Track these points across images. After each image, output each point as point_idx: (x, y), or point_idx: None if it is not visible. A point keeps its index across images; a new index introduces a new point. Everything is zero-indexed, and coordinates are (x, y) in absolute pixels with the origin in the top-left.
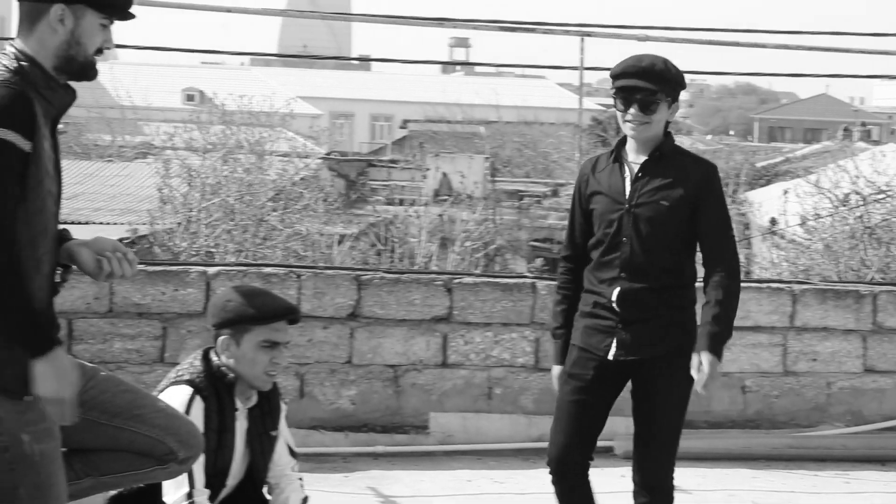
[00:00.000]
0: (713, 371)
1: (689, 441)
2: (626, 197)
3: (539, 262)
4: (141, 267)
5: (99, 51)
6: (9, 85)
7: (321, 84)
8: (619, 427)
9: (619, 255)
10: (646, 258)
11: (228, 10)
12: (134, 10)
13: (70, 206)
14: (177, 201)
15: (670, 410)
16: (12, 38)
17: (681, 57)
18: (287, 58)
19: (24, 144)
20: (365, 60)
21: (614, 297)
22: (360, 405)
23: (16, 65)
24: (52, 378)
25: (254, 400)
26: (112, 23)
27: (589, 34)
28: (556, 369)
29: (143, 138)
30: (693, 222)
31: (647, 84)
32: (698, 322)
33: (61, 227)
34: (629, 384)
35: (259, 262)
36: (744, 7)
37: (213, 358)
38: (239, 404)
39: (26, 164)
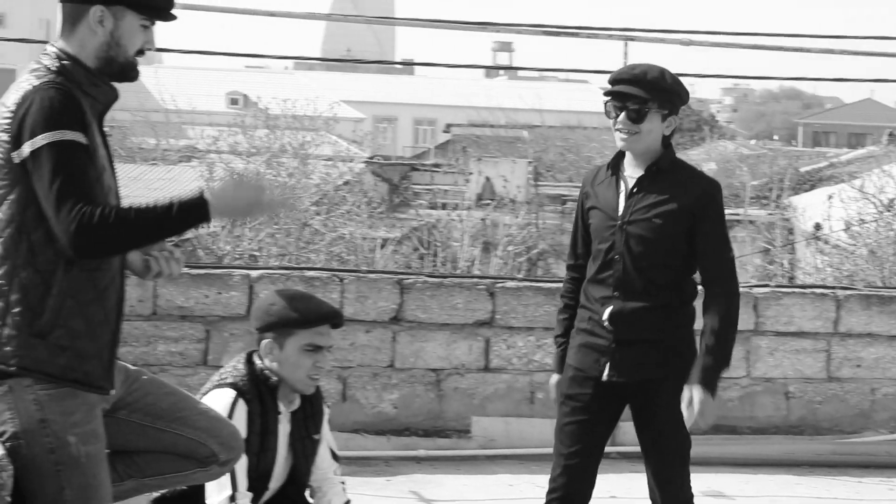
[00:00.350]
0: (704, 407)
1: (732, 447)
2: (620, 213)
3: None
4: (185, 270)
5: (140, 52)
6: (55, 85)
7: (365, 88)
8: None
9: (612, 272)
10: (639, 276)
11: (272, 14)
12: (176, 11)
13: None
14: None
15: (674, 434)
16: (54, 40)
17: (724, 61)
18: (331, 62)
19: (83, 139)
20: (408, 64)
21: (606, 316)
22: (402, 409)
23: (58, 64)
24: (232, 205)
25: (297, 403)
26: (153, 24)
27: (632, 38)
28: (555, 378)
29: (187, 142)
30: (690, 240)
31: (638, 91)
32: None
33: None
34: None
35: (302, 265)
36: (787, 11)
37: (257, 361)
38: (282, 408)
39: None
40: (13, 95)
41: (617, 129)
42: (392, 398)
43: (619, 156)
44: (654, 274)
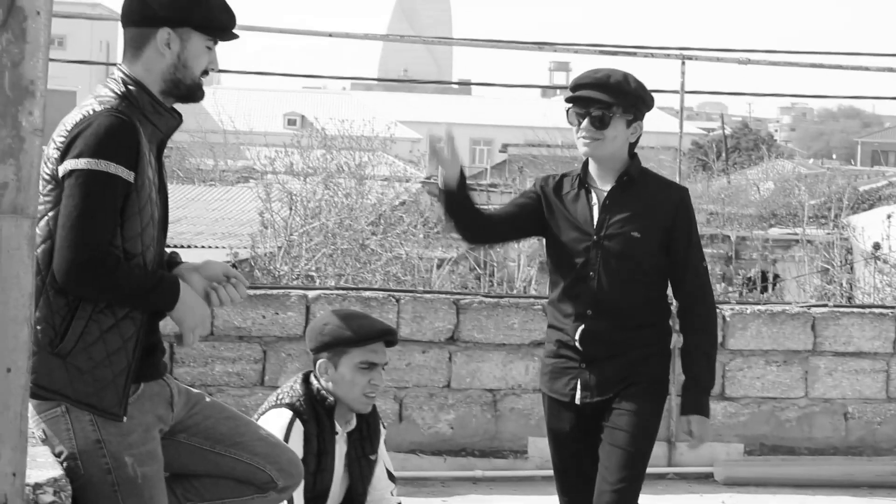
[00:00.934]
0: (704, 433)
1: (790, 468)
2: (594, 228)
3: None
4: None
5: (205, 72)
6: (116, 113)
7: (422, 108)
8: (720, 453)
9: (585, 289)
10: (614, 295)
11: (330, 35)
12: (236, 31)
13: (173, 229)
14: (278, 225)
15: (633, 440)
16: (119, 64)
17: (783, 80)
18: (388, 82)
19: (128, 175)
20: (465, 84)
21: (577, 336)
22: (458, 429)
23: (123, 89)
24: (187, 316)
25: (353, 423)
26: (216, 44)
27: (690, 58)
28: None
29: (244, 162)
30: (667, 251)
31: (601, 95)
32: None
33: (170, 250)
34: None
35: (359, 285)
36: (846, 28)
37: (314, 382)
38: (339, 428)
39: (129, 193)
40: (74, 116)
41: (580, 136)
42: (448, 418)
43: (585, 167)
44: (629, 291)
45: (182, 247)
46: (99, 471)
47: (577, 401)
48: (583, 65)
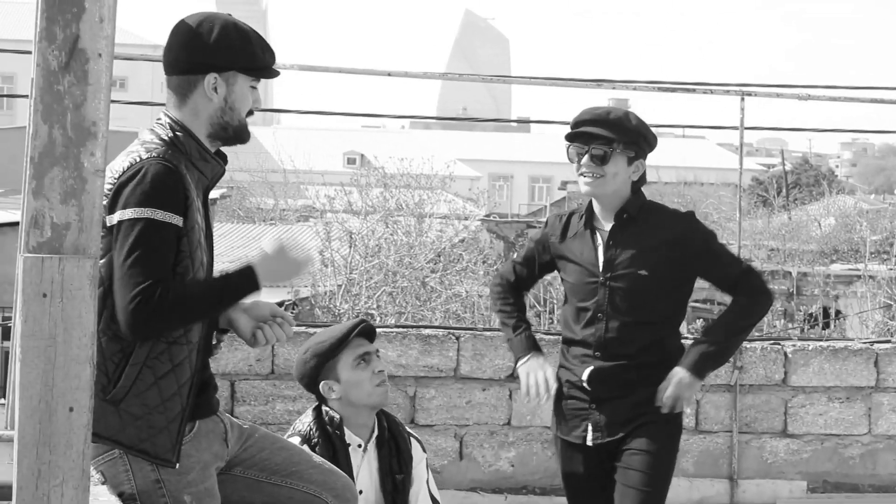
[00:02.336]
0: (682, 390)
1: None
2: (601, 269)
3: (699, 322)
4: (302, 329)
5: (249, 112)
6: (163, 161)
7: (481, 146)
8: (783, 490)
9: (593, 331)
10: (623, 336)
11: (389, 74)
12: (294, 73)
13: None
14: (338, 263)
15: (647, 480)
16: (164, 109)
17: (843, 115)
18: (447, 120)
19: (178, 221)
20: (524, 122)
21: (585, 377)
22: (519, 467)
23: (171, 135)
24: (276, 270)
25: (375, 433)
26: (259, 82)
27: (749, 94)
28: (527, 360)
29: (304, 201)
30: (685, 286)
31: (601, 131)
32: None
33: None
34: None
35: (419, 323)
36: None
37: (324, 409)
38: (359, 440)
39: (180, 238)
40: (121, 161)
41: (581, 174)
42: (509, 456)
43: (590, 206)
44: (637, 333)
45: None
46: None
47: (589, 442)
48: (642, 102)
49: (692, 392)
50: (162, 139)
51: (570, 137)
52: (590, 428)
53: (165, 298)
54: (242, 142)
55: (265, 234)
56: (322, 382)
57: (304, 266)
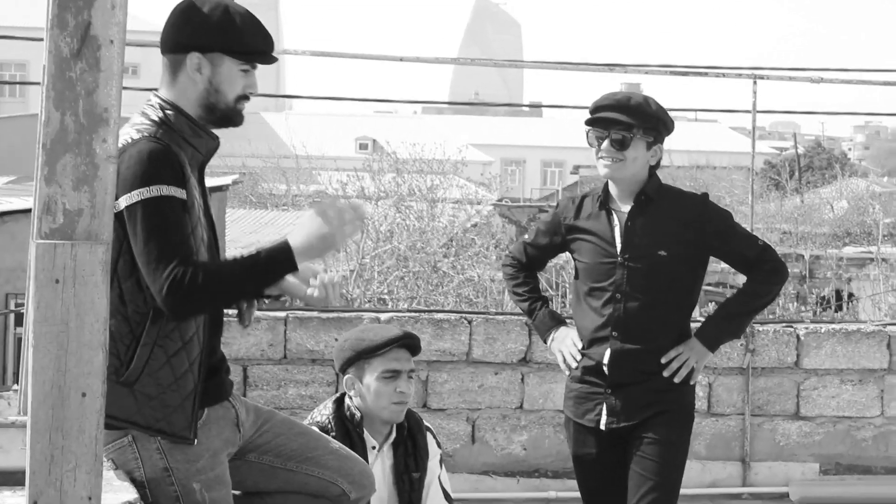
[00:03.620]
0: (692, 356)
1: (867, 487)
2: (619, 249)
3: (712, 306)
4: (314, 314)
5: (243, 97)
6: (153, 140)
7: (493, 131)
8: (795, 472)
9: (611, 311)
10: (641, 316)
11: (401, 59)
12: (293, 57)
13: None
14: (350, 248)
15: (663, 470)
16: (155, 90)
17: (856, 98)
18: (459, 105)
19: (180, 193)
20: (536, 107)
21: (606, 360)
22: (531, 450)
23: (161, 114)
24: (315, 245)
25: (392, 436)
26: (254, 68)
27: (761, 77)
28: (554, 335)
29: (316, 187)
30: (700, 268)
31: (621, 117)
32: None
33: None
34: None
35: (431, 308)
36: None
37: (346, 401)
38: (374, 442)
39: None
40: None
41: (600, 157)
42: (521, 440)
43: (606, 188)
44: (655, 313)
45: None
46: (167, 499)
47: (603, 426)
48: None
49: (701, 362)
50: (152, 120)
51: (590, 122)
52: (604, 412)
53: (197, 276)
54: (233, 125)
55: (277, 219)
56: (348, 376)
57: (341, 232)
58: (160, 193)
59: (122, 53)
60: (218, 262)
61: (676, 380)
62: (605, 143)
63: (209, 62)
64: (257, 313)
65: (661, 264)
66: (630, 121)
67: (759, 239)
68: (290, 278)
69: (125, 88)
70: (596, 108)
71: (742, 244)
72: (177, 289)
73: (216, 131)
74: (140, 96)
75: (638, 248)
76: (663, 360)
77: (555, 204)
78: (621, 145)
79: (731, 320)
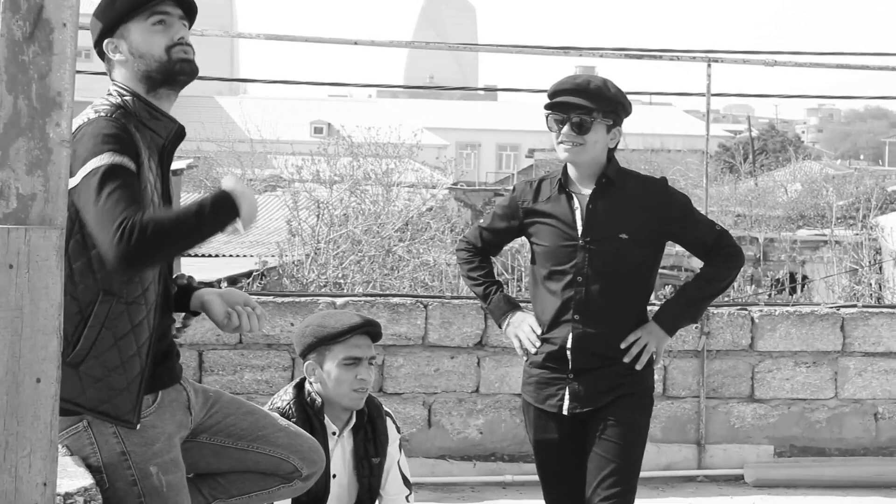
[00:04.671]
0: (650, 340)
1: (821, 469)
2: (580, 232)
3: (668, 289)
4: (269, 299)
5: (174, 46)
6: (106, 118)
7: (448, 114)
8: (750, 455)
9: (572, 294)
10: (602, 300)
11: (356, 43)
12: (231, 37)
13: None
14: (305, 233)
15: (623, 452)
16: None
17: (809, 81)
18: (414, 89)
19: (130, 165)
20: (491, 90)
21: (569, 344)
22: (487, 434)
23: (118, 100)
24: (249, 202)
25: (352, 422)
26: (166, 15)
27: (716, 60)
28: (509, 320)
29: (271, 171)
30: (659, 252)
31: (581, 101)
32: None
33: (187, 274)
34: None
35: (386, 292)
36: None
37: (306, 386)
38: (334, 427)
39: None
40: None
41: (560, 142)
42: (477, 423)
43: (565, 172)
44: (616, 295)
45: (210, 256)
46: (125, 483)
47: (566, 411)
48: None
49: (660, 346)
50: (111, 103)
51: (550, 107)
52: (567, 397)
53: (146, 224)
54: (186, 75)
55: None
56: (309, 362)
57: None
58: (111, 161)
59: (76, 37)
60: (166, 211)
61: (638, 366)
62: (566, 128)
63: (119, 38)
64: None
65: (623, 247)
66: (590, 104)
67: (717, 224)
68: (215, 304)
69: (78, 72)
70: (555, 93)
71: (700, 230)
72: (127, 238)
73: (178, 113)
74: (93, 80)
75: (600, 230)
76: (622, 346)
77: (511, 188)
78: (581, 129)
79: (690, 305)
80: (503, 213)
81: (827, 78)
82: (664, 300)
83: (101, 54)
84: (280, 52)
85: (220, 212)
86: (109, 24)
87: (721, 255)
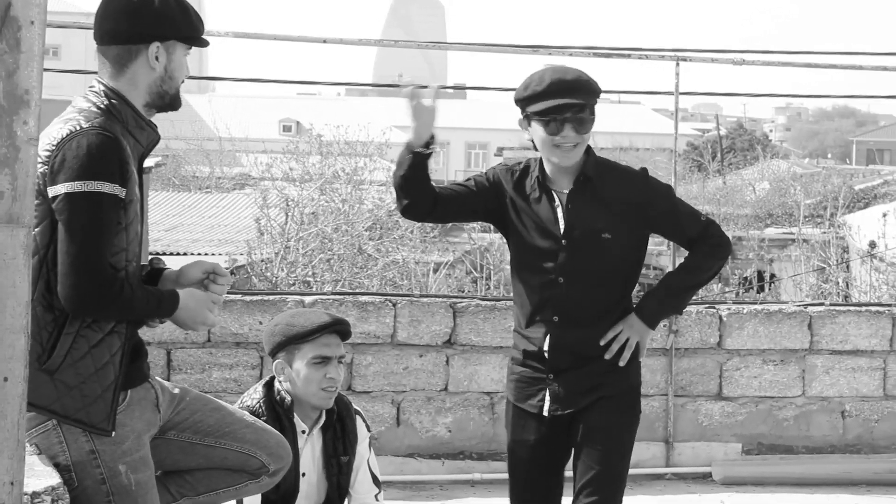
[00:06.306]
0: (632, 334)
1: (788, 467)
2: (562, 231)
3: (637, 289)
4: (238, 297)
5: (182, 80)
6: (101, 131)
7: None
8: (718, 452)
9: (552, 294)
10: (583, 299)
11: (325, 41)
12: (230, 40)
13: (169, 237)
14: (274, 231)
15: (609, 456)
16: (98, 76)
17: (777, 80)
18: (383, 87)
19: (121, 192)
20: (460, 88)
21: (546, 346)
22: (456, 432)
23: (107, 102)
24: (191, 316)
25: (322, 420)
26: (191, 51)
27: (684, 59)
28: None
29: (240, 169)
30: (643, 247)
31: (579, 99)
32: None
33: (152, 256)
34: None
35: (355, 290)
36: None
37: (276, 385)
38: (304, 426)
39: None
40: (59, 129)
41: (560, 144)
42: (446, 422)
43: (542, 168)
44: (597, 296)
45: (178, 254)
46: (93, 482)
47: (546, 412)
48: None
49: (643, 339)
50: (99, 108)
51: (543, 109)
52: (547, 398)
53: (114, 294)
54: (175, 109)
55: (200, 202)
56: (278, 360)
57: (207, 321)
58: (101, 190)
59: (44, 35)
60: (138, 284)
61: (622, 363)
62: (567, 129)
63: (165, 50)
64: None
65: (605, 246)
66: (584, 102)
67: (703, 214)
68: (191, 272)
69: (46, 70)
70: (549, 92)
71: (685, 220)
72: (91, 291)
73: (161, 116)
74: (61, 78)
75: (581, 229)
76: (602, 342)
77: (491, 168)
78: (583, 128)
79: (673, 295)
80: (478, 177)
81: (795, 76)
82: (646, 291)
83: (124, 49)
84: (249, 50)
85: (163, 311)
86: (170, 32)
87: (708, 244)
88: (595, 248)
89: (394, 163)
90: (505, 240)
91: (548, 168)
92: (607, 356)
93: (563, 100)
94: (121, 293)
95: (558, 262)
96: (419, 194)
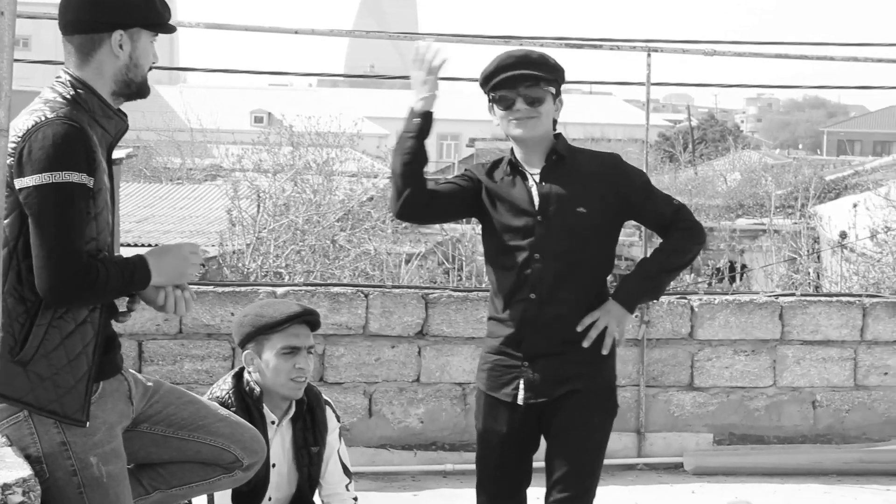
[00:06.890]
0: (610, 319)
1: (759, 457)
2: (537, 208)
3: (608, 278)
4: (210, 288)
5: (149, 68)
6: (67, 121)
7: (389, 104)
8: (689, 443)
9: (529, 272)
10: (559, 276)
11: (296, 32)
12: (201, 31)
13: (140, 228)
14: (246, 223)
15: (583, 447)
16: (64, 66)
17: (748, 71)
18: (354, 78)
19: (88, 181)
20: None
21: (523, 324)
22: (428, 423)
23: (72, 93)
24: (169, 275)
25: (292, 411)
26: (157, 37)
27: (655, 50)
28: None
29: (212, 160)
30: (616, 231)
31: (529, 71)
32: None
33: (136, 251)
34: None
35: (327, 281)
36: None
37: (245, 376)
38: (273, 417)
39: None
40: (24, 121)
41: (514, 118)
42: (418, 413)
43: (513, 153)
44: (573, 274)
45: (150, 245)
46: (65, 473)
47: (520, 401)
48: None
49: (622, 325)
50: (65, 98)
51: (499, 85)
52: (521, 386)
53: (90, 281)
54: (143, 97)
55: (172, 193)
56: (247, 351)
57: (188, 269)
58: (69, 180)
59: (13, 25)
60: (101, 265)
61: (604, 350)
62: (519, 102)
63: (129, 38)
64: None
65: (581, 221)
66: (539, 74)
67: (675, 199)
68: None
69: (16, 61)
70: (498, 69)
71: (658, 203)
72: (68, 281)
73: (131, 108)
74: (32, 69)
75: (555, 204)
76: (579, 328)
77: (463, 170)
78: (535, 101)
79: (650, 278)
80: (463, 175)
81: (766, 67)
82: (623, 276)
83: (87, 38)
84: (220, 40)
85: (139, 280)
86: (134, 20)
87: (680, 228)
88: (570, 223)
89: (367, 154)
90: (480, 231)
91: (518, 153)
92: (585, 343)
93: (511, 72)
94: (97, 277)
95: (535, 238)
96: (418, 183)
